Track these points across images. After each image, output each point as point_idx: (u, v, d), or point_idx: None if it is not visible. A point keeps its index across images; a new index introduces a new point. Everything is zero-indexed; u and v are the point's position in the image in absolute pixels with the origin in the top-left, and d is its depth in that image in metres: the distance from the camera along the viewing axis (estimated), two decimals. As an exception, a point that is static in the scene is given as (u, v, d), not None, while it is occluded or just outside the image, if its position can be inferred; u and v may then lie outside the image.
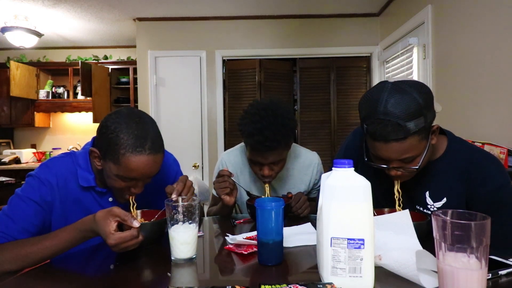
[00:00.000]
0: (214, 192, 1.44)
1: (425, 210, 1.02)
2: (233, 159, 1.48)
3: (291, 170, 1.45)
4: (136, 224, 0.79)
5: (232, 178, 1.24)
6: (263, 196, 1.38)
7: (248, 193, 1.34)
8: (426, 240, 0.79)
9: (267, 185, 1.32)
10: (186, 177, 1.03)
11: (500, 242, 0.80)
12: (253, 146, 1.20)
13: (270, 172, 1.26)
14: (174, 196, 0.94)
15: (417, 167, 0.91)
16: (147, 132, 0.91)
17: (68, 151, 1.07)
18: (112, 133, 0.89)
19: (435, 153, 1.01)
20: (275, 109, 1.21)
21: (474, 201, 0.95)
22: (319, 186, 1.39)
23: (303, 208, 1.25)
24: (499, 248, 0.78)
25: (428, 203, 1.01)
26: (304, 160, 1.46)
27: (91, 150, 0.96)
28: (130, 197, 0.99)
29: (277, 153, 1.22)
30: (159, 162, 0.94)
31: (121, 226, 0.82)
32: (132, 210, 1.00)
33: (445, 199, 0.99)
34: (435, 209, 1.00)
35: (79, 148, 1.07)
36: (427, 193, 1.02)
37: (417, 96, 0.85)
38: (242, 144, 1.46)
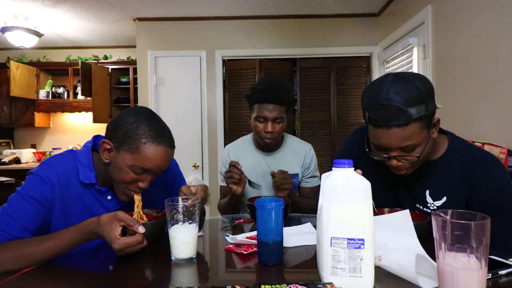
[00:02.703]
0: (222, 183, 1.59)
1: (425, 209, 1.02)
2: (234, 147, 1.65)
3: (286, 151, 1.60)
4: (141, 230, 0.80)
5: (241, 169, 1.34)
6: (262, 194, 1.48)
7: (249, 181, 1.43)
8: (426, 240, 0.78)
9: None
10: (206, 188, 1.06)
11: (500, 242, 0.80)
12: (261, 98, 1.43)
13: (273, 129, 1.44)
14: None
15: (418, 155, 0.91)
16: (165, 128, 0.99)
17: (68, 150, 1.07)
18: (131, 125, 0.94)
19: (436, 152, 1.02)
20: (278, 81, 1.50)
21: (474, 201, 0.95)
22: (311, 172, 1.59)
23: (284, 183, 1.33)
24: (499, 248, 0.78)
25: (428, 201, 1.02)
26: (298, 144, 1.63)
27: (103, 142, 0.96)
28: (136, 197, 0.98)
29: (280, 109, 1.44)
30: (171, 158, 1.00)
31: (125, 229, 0.83)
32: (135, 210, 0.98)
33: (445, 198, 0.99)
34: (435, 207, 1.00)
35: (79, 148, 1.08)
36: (427, 191, 1.02)
37: (419, 84, 0.87)
38: (243, 136, 1.68)
